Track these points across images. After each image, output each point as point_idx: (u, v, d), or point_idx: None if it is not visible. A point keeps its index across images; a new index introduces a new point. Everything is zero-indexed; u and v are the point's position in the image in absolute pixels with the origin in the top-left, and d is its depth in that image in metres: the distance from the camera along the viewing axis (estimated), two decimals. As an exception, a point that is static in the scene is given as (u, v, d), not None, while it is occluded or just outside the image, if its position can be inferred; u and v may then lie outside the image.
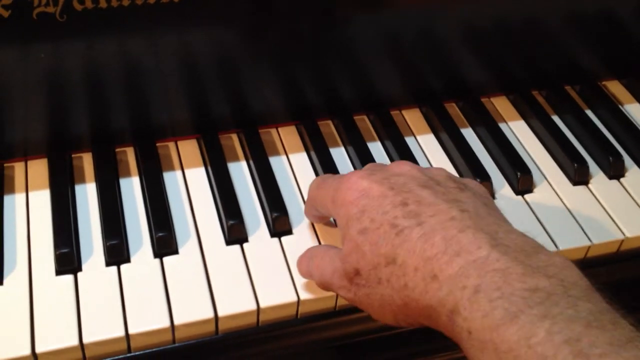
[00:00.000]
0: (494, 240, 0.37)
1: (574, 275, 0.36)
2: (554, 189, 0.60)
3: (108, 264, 0.51)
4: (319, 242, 0.53)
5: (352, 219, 0.42)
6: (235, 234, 0.53)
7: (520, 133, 0.65)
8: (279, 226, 0.54)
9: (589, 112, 0.68)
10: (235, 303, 0.49)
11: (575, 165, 0.60)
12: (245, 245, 0.53)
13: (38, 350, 0.45)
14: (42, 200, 0.55)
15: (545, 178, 0.61)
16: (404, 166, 0.45)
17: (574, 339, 0.31)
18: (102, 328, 0.47)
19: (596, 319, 0.33)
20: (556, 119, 0.67)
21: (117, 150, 0.60)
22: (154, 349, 0.48)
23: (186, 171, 0.59)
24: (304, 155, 0.61)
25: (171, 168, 0.59)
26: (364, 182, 0.43)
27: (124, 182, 0.57)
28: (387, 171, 0.44)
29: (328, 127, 0.64)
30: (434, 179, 0.43)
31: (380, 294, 0.40)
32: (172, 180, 0.58)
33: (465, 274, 0.36)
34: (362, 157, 0.60)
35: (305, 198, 0.57)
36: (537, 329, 0.32)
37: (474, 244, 0.37)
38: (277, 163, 0.60)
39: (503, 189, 0.59)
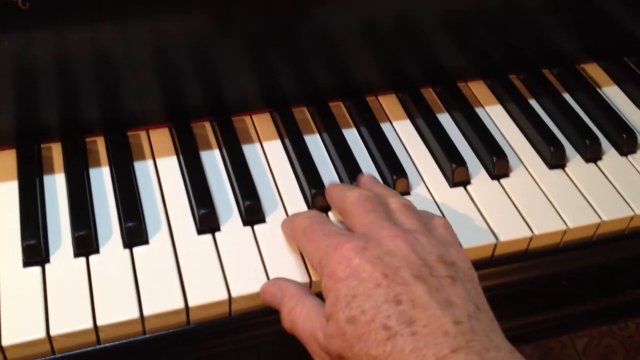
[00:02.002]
0: None
1: None
2: (530, 173, 0.59)
3: (77, 255, 0.50)
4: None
5: (341, 300, 0.41)
6: (207, 223, 0.52)
7: (497, 117, 0.65)
8: (251, 215, 0.53)
9: (567, 96, 0.68)
10: (206, 293, 0.48)
11: (552, 148, 0.60)
12: (217, 234, 0.52)
13: (4, 343, 0.45)
14: (9, 191, 0.54)
15: (522, 162, 0.60)
16: (398, 240, 0.43)
17: None
18: (71, 320, 0.46)
19: None
20: (533, 102, 0.66)
21: (87, 140, 0.59)
22: (124, 341, 0.47)
23: (158, 160, 0.58)
24: (278, 142, 0.61)
25: (142, 157, 0.58)
26: (357, 259, 0.41)
27: (93, 172, 0.56)
28: (380, 245, 0.43)
29: (303, 114, 0.64)
30: (427, 264, 0.42)
31: None
32: (143, 169, 0.57)
33: None
34: (338, 145, 0.60)
35: (279, 186, 0.56)
36: None
37: None
38: (251, 151, 0.59)
39: (479, 174, 0.59)
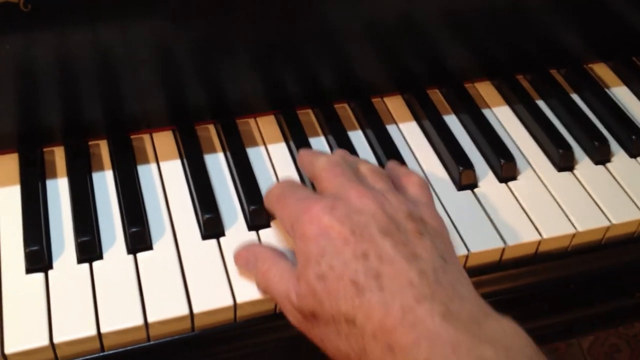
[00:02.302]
0: (447, 311, 0.38)
1: (520, 342, 0.38)
2: (538, 176, 0.58)
3: (80, 261, 0.49)
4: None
5: (311, 259, 0.42)
6: (211, 228, 0.52)
7: (504, 119, 0.64)
8: (256, 219, 0.52)
9: (575, 96, 0.67)
10: (211, 299, 0.48)
11: (560, 151, 0.59)
12: (221, 239, 0.52)
13: (7, 351, 0.44)
14: (12, 196, 0.53)
15: (530, 165, 0.59)
16: (366, 199, 0.44)
17: None
18: (74, 327, 0.45)
19: None
20: (541, 103, 0.66)
21: (90, 143, 0.58)
22: (128, 348, 0.47)
23: (161, 164, 0.57)
24: (283, 145, 0.60)
25: (146, 161, 0.57)
26: (326, 218, 0.42)
27: (96, 176, 0.56)
28: (349, 204, 0.43)
29: (308, 116, 0.63)
30: (394, 220, 0.43)
31: (337, 345, 0.41)
32: (146, 173, 0.56)
33: (417, 345, 0.37)
34: (343, 147, 0.59)
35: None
36: None
37: (428, 317, 0.38)
38: (255, 154, 0.59)
39: (487, 177, 0.58)
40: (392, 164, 0.55)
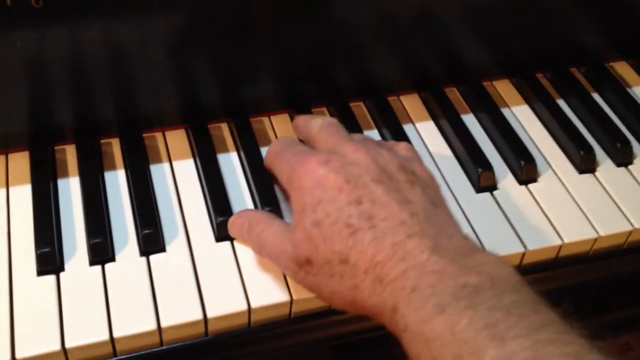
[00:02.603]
0: (435, 245, 0.40)
1: (505, 271, 0.40)
2: (559, 178, 0.57)
3: (92, 263, 0.49)
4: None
5: (307, 208, 0.43)
6: (226, 230, 0.51)
7: (523, 118, 0.63)
8: (271, 221, 0.51)
9: (596, 96, 0.65)
10: (225, 303, 0.47)
11: (582, 152, 0.57)
12: (236, 242, 0.50)
13: (18, 356, 0.43)
14: (22, 195, 0.53)
15: (550, 166, 0.58)
16: (360, 153, 0.45)
17: (492, 324, 0.35)
18: (86, 331, 0.45)
19: (517, 308, 0.37)
20: (561, 103, 0.64)
21: (102, 141, 0.57)
22: (140, 352, 0.46)
23: (174, 163, 0.56)
24: (298, 144, 0.59)
25: (158, 160, 0.57)
26: (321, 169, 0.44)
27: (108, 176, 0.55)
28: (344, 157, 0.45)
29: (323, 115, 0.62)
30: (387, 171, 0.45)
31: (331, 287, 0.43)
32: (159, 172, 0.55)
33: (405, 276, 0.39)
34: (359, 146, 0.58)
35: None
36: (460, 318, 0.36)
37: (417, 249, 0.40)
38: (270, 153, 0.58)
39: (506, 179, 0.57)
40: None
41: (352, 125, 0.60)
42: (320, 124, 0.51)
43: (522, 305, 0.37)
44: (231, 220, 0.50)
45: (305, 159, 0.45)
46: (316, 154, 0.45)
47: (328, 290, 0.43)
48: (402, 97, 0.64)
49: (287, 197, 0.52)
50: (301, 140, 0.54)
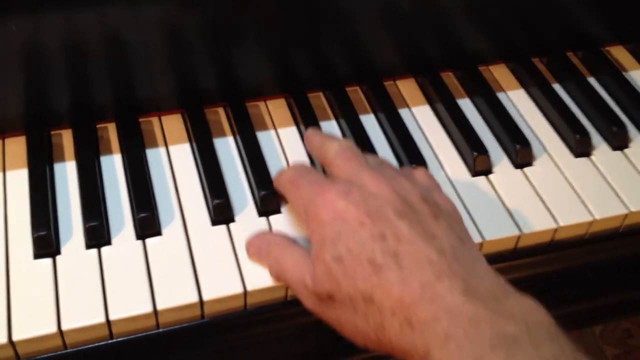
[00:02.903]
0: (467, 287, 0.39)
1: (541, 317, 0.38)
2: (554, 162, 0.57)
3: (88, 246, 0.49)
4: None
5: (327, 241, 0.42)
6: (221, 213, 0.51)
7: (519, 103, 0.63)
8: (267, 205, 0.52)
9: (592, 80, 0.65)
10: (221, 286, 0.47)
11: (577, 136, 0.58)
12: (231, 225, 0.51)
13: (15, 338, 0.44)
14: (19, 180, 0.53)
15: (546, 150, 0.58)
16: (380, 184, 0.44)
17: None
18: (82, 314, 0.45)
19: (555, 359, 0.35)
20: (557, 87, 0.64)
21: (98, 126, 0.57)
22: (137, 335, 0.46)
23: (170, 148, 0.56)
24: (294, 129, 0.59)
25: (154, 144, 0.57)
26: (341, 202, 0.42)
27: (105, 160, 0.55)
28: (364, 188, 0.43)
29: (319, 100, 0.62)
30: (409, 203, 0.43)
31: (354, 324, 0.41)
32: (155, 157, 0.55)
33: (437, 320, 0.37)
34: (354, 131, 0.58)
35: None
36: None
37: (448, 292, 0.38)
38: (266, 138, 0.58)
39: (502, 162, 0.57)
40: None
41: (348, 111, 0.60)
42: (336, 149, 0.48)
43: (560, 354, 0.36)
44: (249, 241, 0.48)
45: (324, 190, 0.43)
46: (334, 185, 0.44)
47: (350, 327, 0.42)
48: (398, 82, 0.64)
49: (285, 201, 0.52)
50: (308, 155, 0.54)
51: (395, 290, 0.39)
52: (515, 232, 0.51)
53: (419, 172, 0.49)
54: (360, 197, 0.43)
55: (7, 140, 0.56)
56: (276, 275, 0.46)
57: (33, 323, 0.44)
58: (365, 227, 0.41)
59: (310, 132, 0.53)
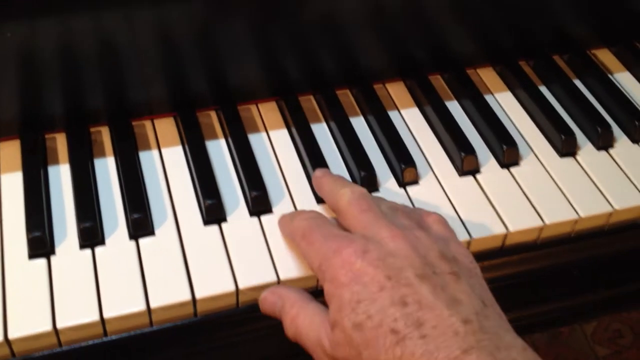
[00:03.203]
0: None
1: None
2: (540, 162, 0.58)
3: (82, 246, 0.49)
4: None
5: (345, 306, 0.40)
6: (213, 213, 0.52)
7: (506, 105, 0.64)
8: (258, 205, 0.52)
9: (578, 82, 0.67)
10: (213, 284, 0.48)
11: (563, 136, 0.59)
12: (223, 225, 0.52)
13: (11, 336, 0.44)
14: (14, 182, 0.53)
15: (532, 150, 0.59)
16: (398, 240, 0.42)
17: None
18: (77, 312, 0.46)
19: None
20: (544, 89, 0.65)
21: (92, 130, 0.58)
22: (131, 333, 0.47)
23: (163, 150, 0.57)
24: (285, 132, 0.60)
25: (147, 147, 0.57)
26: (358, 262, 0.41)
27: (98, 163, 0.56)
28: (381, 245, 0.42)
29: (309, 103, 0.63)
30: (429, 262, 0.41)
31: None
32: (148, 159, 0.56)
33: None
34: (344, 133, 0.59)
35: (286, 176, 0.56)
36: None
37: None
38: (257, 140, 0.59)
39: (489, 163, 0.58)
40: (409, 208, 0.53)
41: (339, 114, 0.61)
42: (349, 196, 0.46)
43: None
44: (263, 296, 0.47)
45: (339, 247, 0.42)
46: (351, 242, 0.42)
47: None
48: (387, 85, 0.65)
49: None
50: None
51: None
52: (502, 231, 0.52)
53: (433, 219, 0.47)
54: (378, 256, 0.41)
55: (2, 144, 0.56)
56: (292, 335, 0.45)
57: (28, 321, 0.45)
58: (386, 292, 0.39)
59: (319, 174, 0.52)
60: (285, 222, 0.50)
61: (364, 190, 0.48)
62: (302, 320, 0.44)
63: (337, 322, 0.40)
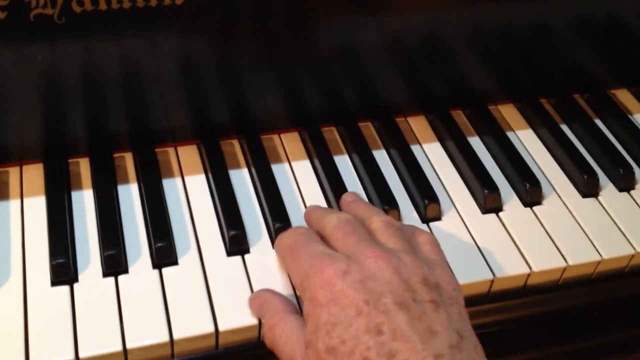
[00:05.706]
0: None
1: None
2: (563, 202, 0.58)
3: (105, 274, 0.49)
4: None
5: (321, 328, 0.40)
6: (237, 244, 0.51)
7: (528, 142, 0.64)
8: (282, 237, 0.52)
9: (598, 122, 0.67)
10: (236, 317, 0.47)
11: (585, 176, 0.59)
12: (246, 256, 0.51)
13: (32, 365, 0.44)
14: (37, 207, 0.53)
15: (554, 190, 0.59)
16: (381, 262, 0.42)
17: None
18: (99, 342, 0.45)
19: None
20: (565, 128, 0.66)
21: (115, 155, 0.58)
22: (152, 364, 0.47)
23: (186, 178, 0.57)
24: (307, 162, 0.60)
25: (171, 175, 0.57)
26: (339, 283, 0.41)
27: (122, 189, 0.56)
28: (364, 268, 0.42)
29: (332, 134, 0.63)
30: (410, 288, 0.41)
31: None
32: (171, 187, 0.56)
33: None
34: (367, 165, 0.59)
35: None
36: None
37: None
38: (280, 170, 0.59)
39: (511, 201, 0.58)
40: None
41: (361, 146, 0.61)
42: (335, 222, 0.47)
43: None
44: (251, 298, 0.48)
45: (321, 267, 0.42)
46: (333, 262, 0.42)
47: None
48: (409, 119, 0.65)
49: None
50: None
51: None
52: (525, 270, 0.52)
53: (424, 240, 0.47)
54: (359, 278, 0.41)
55: (25, 168, 0.56)
56: (269, 343, 0.45)
57: (50, 350, 0.44)
58: (362, 317, 0.39)
59: (310, 208, 0.52)
60: (277, 239, 0.49)
61: (350, 216, 0.48)
62: (280, 332, 0.44)
63: (311, 343, 0.41)
